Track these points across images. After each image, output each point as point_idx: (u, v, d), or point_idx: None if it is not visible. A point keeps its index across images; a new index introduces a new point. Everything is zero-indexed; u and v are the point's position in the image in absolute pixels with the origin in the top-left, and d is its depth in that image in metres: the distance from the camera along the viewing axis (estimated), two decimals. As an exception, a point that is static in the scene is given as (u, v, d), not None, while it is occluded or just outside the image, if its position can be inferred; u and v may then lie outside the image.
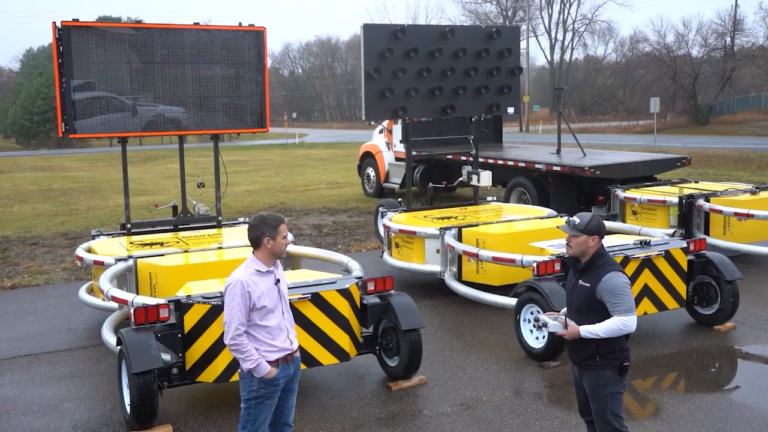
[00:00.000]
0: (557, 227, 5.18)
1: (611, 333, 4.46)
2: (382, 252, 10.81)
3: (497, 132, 19.49)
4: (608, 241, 8.26)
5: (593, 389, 4.59)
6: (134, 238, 9.38)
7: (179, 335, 6.11)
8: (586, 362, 4.57)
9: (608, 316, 4.50)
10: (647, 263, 7.67)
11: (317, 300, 6.34)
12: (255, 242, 4.56)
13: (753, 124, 46.78)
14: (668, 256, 7.84)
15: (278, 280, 4.63)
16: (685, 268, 7.99)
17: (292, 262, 8.71)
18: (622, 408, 4.62)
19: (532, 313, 7.40)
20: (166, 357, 6.15)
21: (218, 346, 6.07)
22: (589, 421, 4.80)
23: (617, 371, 4.55)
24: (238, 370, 4.64)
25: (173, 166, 29.85)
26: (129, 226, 9.59)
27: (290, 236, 4.75)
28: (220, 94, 9.61)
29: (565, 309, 4.84)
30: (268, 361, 4.52)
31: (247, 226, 10.02)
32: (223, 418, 6.31)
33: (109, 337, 7.26)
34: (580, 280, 4.61)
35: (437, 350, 7.81)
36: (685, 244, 8.07)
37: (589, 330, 4.48)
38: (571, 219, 4.64)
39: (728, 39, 57.51)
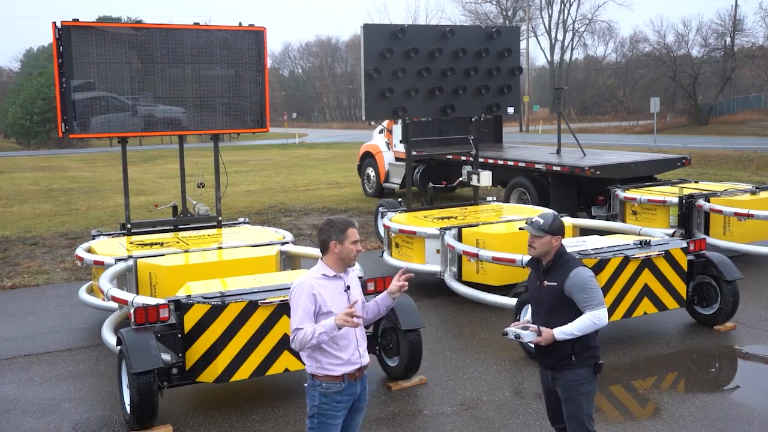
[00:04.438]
0: (519, 228, 5.13)
1: (585, 329, 4.42)
2: (382, 252, 10.82)
3: (497, 132, 19.47)
4: (608, 241, 8.27)
5: (568, 389, 4.53)
6: (134, 238, 9.38)
7: (179, 335, 6.12)
8: (561, 363, 4.52)
9: (579, 313, 4.46)
10: (647, 263, 7.67)
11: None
12: (322, 246, 4.32)
13: (753, 124, 46.77)
14: (668, 256, 7.83)
15: (348, 287, 4.36)
16: (685, 268, 7.99)
17: (292, 262, 8.71)
18: (593, 409, 4.60)
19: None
20: (166, 357, 6.14)
21: (218, 346, 6.08)
22: (560, 429, 4.75)
23: (592, 369, 4.53)
24: (305, 385, 4.38)
25: (173, 166, 29.83)
26: (129, 226, 9.59)
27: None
28: (220, 94, 9.61)
29: (529, 316, 4.78)
30: (332, 375, 4.23)
31: (247, 226, 10.17)
32: (223, 418, 6.31)
33: (109, 337, 7.26)
34: (545, 281, 4.55)
35: (437, 350, 7.81)
36: (685, 244, 8.07)
37: (563, 331, 4.42)
38: (534, 219, 4.57)
39: (728, 39, 57.56)
